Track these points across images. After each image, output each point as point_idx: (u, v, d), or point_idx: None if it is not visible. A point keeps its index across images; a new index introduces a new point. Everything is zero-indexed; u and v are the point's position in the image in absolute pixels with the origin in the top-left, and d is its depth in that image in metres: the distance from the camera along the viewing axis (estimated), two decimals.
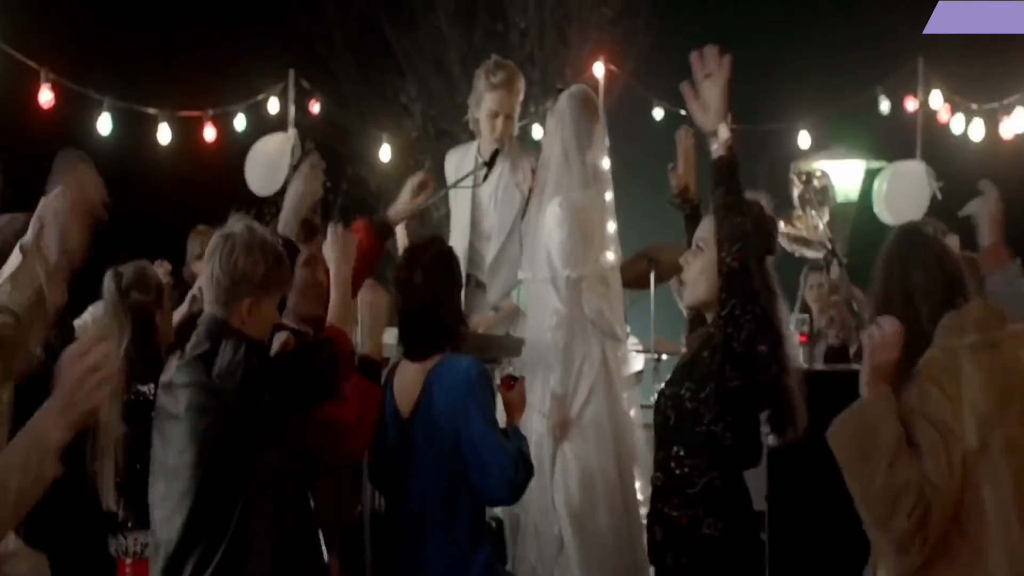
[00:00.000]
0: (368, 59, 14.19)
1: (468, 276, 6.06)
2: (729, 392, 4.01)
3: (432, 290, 4.44)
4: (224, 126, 9.51)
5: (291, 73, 9.74)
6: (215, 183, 8.20)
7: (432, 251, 4.48)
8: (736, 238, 3.99)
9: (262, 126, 9.67)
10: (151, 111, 8.90)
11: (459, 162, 6.29)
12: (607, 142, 5.73)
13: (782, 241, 9.38)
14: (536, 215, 5.62)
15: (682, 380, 4.14)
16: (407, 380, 4.50)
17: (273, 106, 9.80)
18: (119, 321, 4.33)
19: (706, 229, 4.18)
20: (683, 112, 9.72)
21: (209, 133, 9.33)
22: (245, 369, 3.69)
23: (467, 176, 5.91)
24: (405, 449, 4.44)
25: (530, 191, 5.81)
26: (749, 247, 4.04)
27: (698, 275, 4.21)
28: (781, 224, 9.46)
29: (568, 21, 13.12)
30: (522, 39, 12.38)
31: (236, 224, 3.89)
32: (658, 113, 10.06)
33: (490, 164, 5.78)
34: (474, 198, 6.17)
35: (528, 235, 5.69)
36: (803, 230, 9.13)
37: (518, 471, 4.19)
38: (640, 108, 10.23)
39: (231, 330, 3.85)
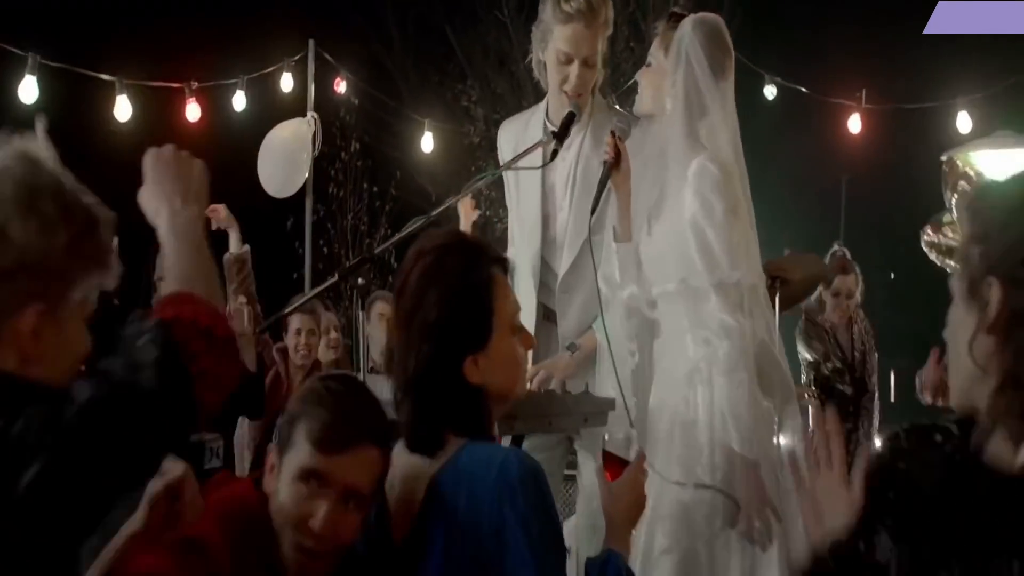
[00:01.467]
0: (428, 60, 13.35)
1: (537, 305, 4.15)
2: None
3: (439, 334, 2.47)
4: (215, 104, 7.58)
5: (311, 44, 7.64)
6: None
7: (441, 260, 2.52)
8: None
9: (269, 106, 7.92)
10: (105, 77, 6.68)
11: (518, 138, 4.24)
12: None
13: (927, 250, 7.72)
14: (647, 206, 3.74)
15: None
16: (404, 478, 2.55)
17: (287, 83, 7.84)
18: None
19: None
20: (803, 88, 8.18)
21: (193, 111, 7.13)
22: None
23: (527, 152, 3.83)
24: None
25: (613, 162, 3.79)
26: None
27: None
28: (928, 230, 7.66)
29: (643, 14, 12.36)
30: None
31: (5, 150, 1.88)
32: (770, 91, 7.92)
33: (561, 134, 3.78)
34: (543, 187, 4.17)
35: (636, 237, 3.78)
36: (956, 240, 7.45)
37: None
38: (745, 89, 8.08)
39: None
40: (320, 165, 13.04)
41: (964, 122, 7.98)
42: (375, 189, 13.70)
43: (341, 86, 8.27)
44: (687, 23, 3.69)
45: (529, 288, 4.07)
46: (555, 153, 3.74)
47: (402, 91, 13.28)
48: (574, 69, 3.99)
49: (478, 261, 2.53)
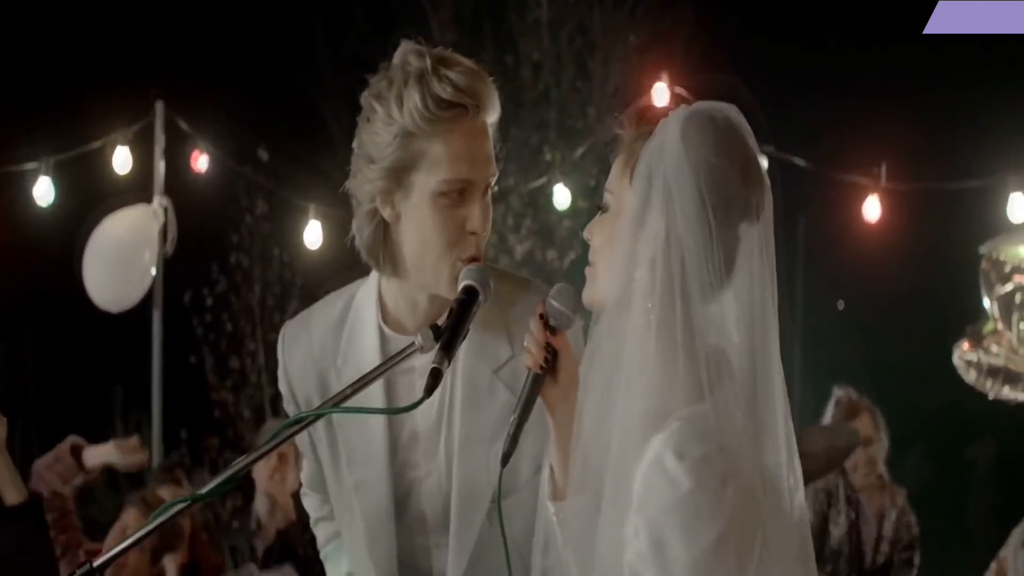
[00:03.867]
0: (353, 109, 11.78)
1: None
2: None
3: None
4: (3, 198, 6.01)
5: (159, 106, 5.74)
6: None
7: None
8: None
9: (95, 195, 6.22)
10: None
11: (324, 355, 2.45)
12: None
13: (963, 371, 6.46)
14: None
15: None
16: None
17: (122, 161, 6.21)
18: None
19: None
20: (799, 161, 6.57)
21: None
22: None
23: (359, 386, 2.08)
24: None
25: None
26: None
27: None
28: (964, 345, 6.24)
29: (590, 52, 11.51)
30: (535, 74, 10.95)
31: None
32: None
33: (452, 337, 2.07)
34: (391, 434, 2.39)
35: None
36: (1001, 356, 6.28)
37: None
38: None
39: None
40: (222, 230, 11.48)
41: (1017, 205, 6.34)
42: (286, 257, 11.68)
43: (201, 161, 6.32)
44: (670, 128, 1.96)
45: None
46: (437, 377, 2.02)
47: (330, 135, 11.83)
48: (476, 207, 2.26)
49: None
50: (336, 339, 2.38)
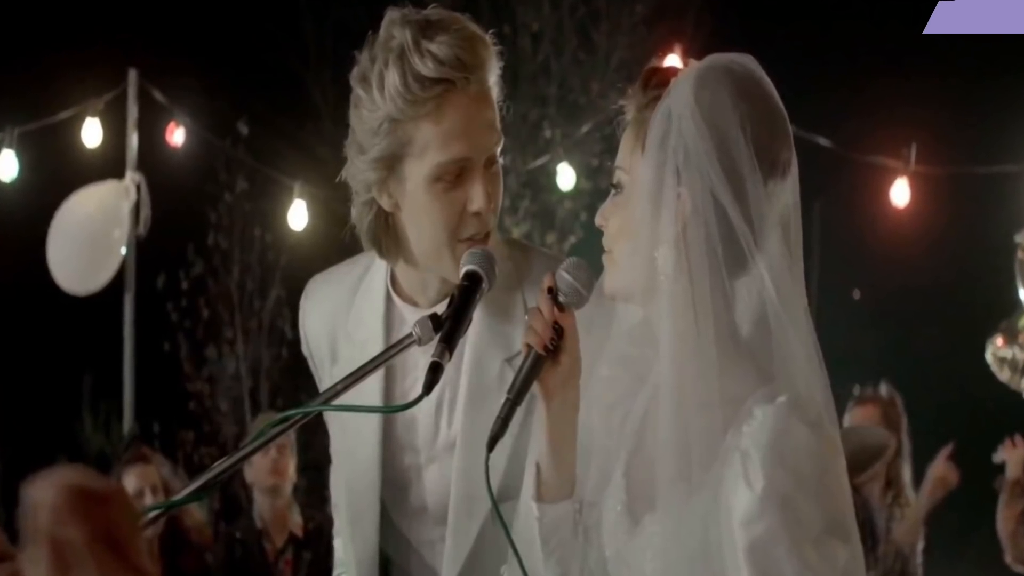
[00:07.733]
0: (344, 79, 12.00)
1: None
2: None
3: None
4: None
5: (132, 75, 5.81)
6: None
7: None
8: None
9: (62, 170, 6.34)
10: None
11: (336, 321, 2.43)
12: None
13: (996, 369, 6.51)
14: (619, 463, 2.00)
15: None
16: None
17: (92, 134, 6.23)
18: None
19: None
20: (823, 141, 6.50)
21: None
22: None
23: (350, 381, 2.05)
24: None
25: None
26: None
27: None
28: (998, 341, 6.53)
29: (594, 22, 11.63)
30: (535, 45, 11.03)
31: None
32: None
33: (453, 328, 2.02)
34: (385, 421, 2.37)
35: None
36: None
37: None
38: None
39: None
40: (199, 209, 11.47)
41: None
42: (268, 238, 11.76)
43: (177, 134, 6.31)
44: (682, 87, 1.88)
45: None
46: (437, 372, 1.99)
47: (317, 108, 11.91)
48: (477, 186, 2.19)
49: None
50: (350, 302, 2.37)
